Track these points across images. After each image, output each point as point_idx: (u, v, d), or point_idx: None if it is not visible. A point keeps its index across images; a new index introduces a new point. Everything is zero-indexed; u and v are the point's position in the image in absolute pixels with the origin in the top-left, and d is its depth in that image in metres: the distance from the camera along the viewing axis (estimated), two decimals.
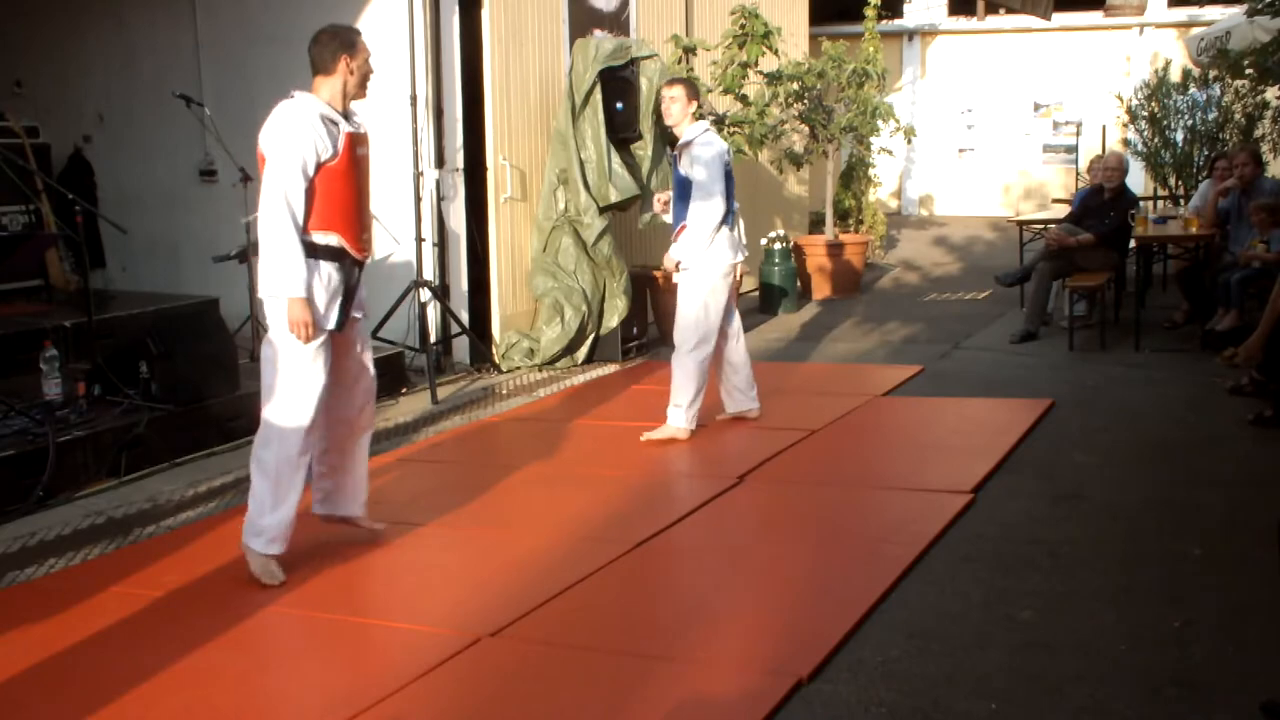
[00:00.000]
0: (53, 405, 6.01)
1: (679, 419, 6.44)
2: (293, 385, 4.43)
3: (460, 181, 8.24)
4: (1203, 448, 6.07)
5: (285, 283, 4.30)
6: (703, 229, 6.28)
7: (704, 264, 6.34)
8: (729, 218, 6.38)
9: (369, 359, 4.78)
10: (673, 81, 6.67)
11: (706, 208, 6.25)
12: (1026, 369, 8.06)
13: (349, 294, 4.52)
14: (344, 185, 4.42)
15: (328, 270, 4.42)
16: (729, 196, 6.36)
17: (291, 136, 4.31)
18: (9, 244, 6.92)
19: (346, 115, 4.50)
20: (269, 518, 4.48)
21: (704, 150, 6.26)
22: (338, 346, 4.58)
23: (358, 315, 4.65)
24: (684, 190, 6.36)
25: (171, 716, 3.57)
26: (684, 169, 6.33)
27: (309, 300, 4.34)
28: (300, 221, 4.32)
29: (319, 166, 4.34)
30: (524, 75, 8.64)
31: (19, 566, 4.85)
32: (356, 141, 4.48)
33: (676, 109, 6.38)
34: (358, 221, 4.51)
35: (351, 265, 4.51)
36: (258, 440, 4.52)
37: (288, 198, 4.28)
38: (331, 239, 4.41)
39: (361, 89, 4.53)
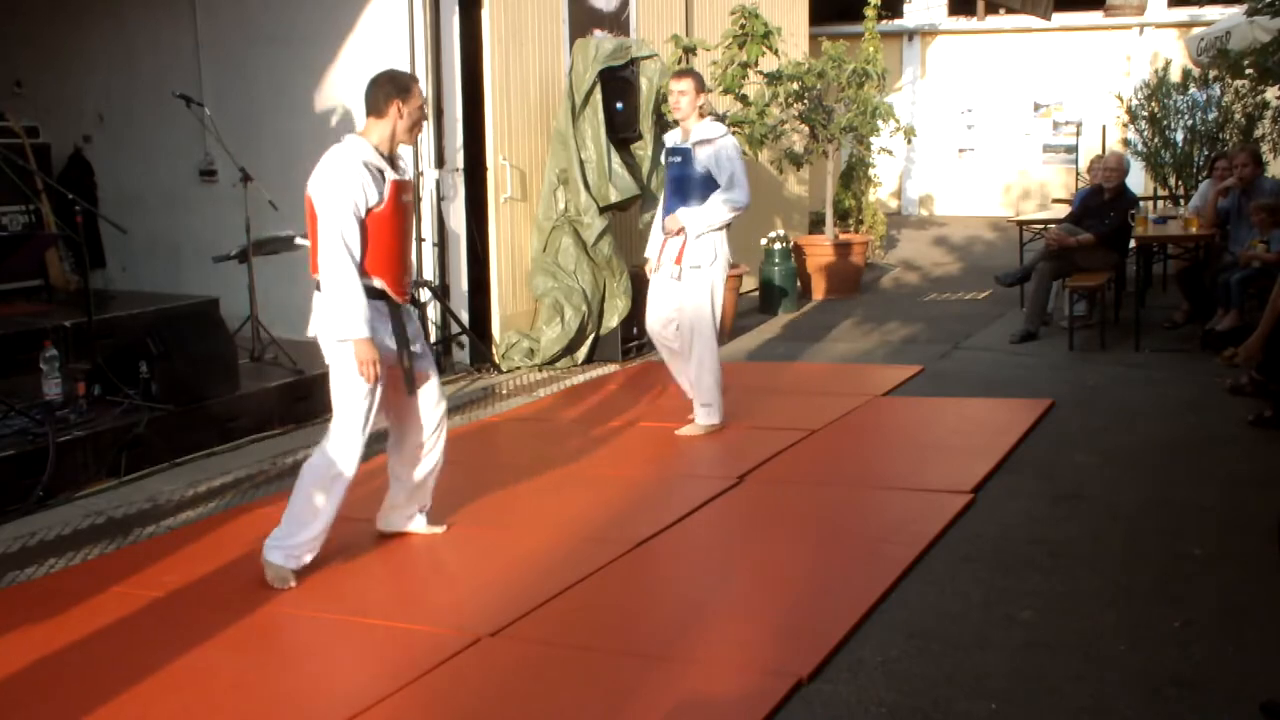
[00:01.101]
0: (53, 405, 6.01)
1: (714, 416, 6.52)
2: (347, 420, 4.54)
3: (460, 181, 8.24)
4: (1203, 448, 6.07)
5: (351, 325, 4.39)
6: (724, 212, 6.26)
7: (717, 262, 6.34)
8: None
9: (436, 387, 4.84)
10: (681, 74, 6.54)
11: (739, 196, 6.25)
12: (1026, 369, 8.06)
13: (400, 332, 4.60)
14: (388, 232, 4.50)
15: (376, 306, 4.49)
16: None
17: (341, 183, 4.38)
18: (9, 244, 6.92)
19: (393, 160, 4.57)
20: (300, 536, 4.54)
21: (729, 145, 6.29)
22: (395, 380, 4.63)
23: (416, 349, 4.71)
24: (684, 185, 6.31)
25: (171, 716, 3.58)
26: (704, 164, 6.26)
27: (373, 339, 4.44)
28: (359, 263, 4.41)
29: (367, 212, 4.41)
30: (524, 75, 8.64)
31: (19, 566, 4.85)
32: (402, 189, 4.55)
33: (686, 102, 6.30)
34: (400, 265, 4.60)
35: (394, 305, 4.59)
36: (313, 465, 4.58)
37: (345, 240, 4.35)
38: (375, 282, 4.49)
39: (410, 134, 4.61)
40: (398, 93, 4.51)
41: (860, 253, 11.94)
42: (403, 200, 4.56)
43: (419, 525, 5.05)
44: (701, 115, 6.37)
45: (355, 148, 4.47)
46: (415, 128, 4.61)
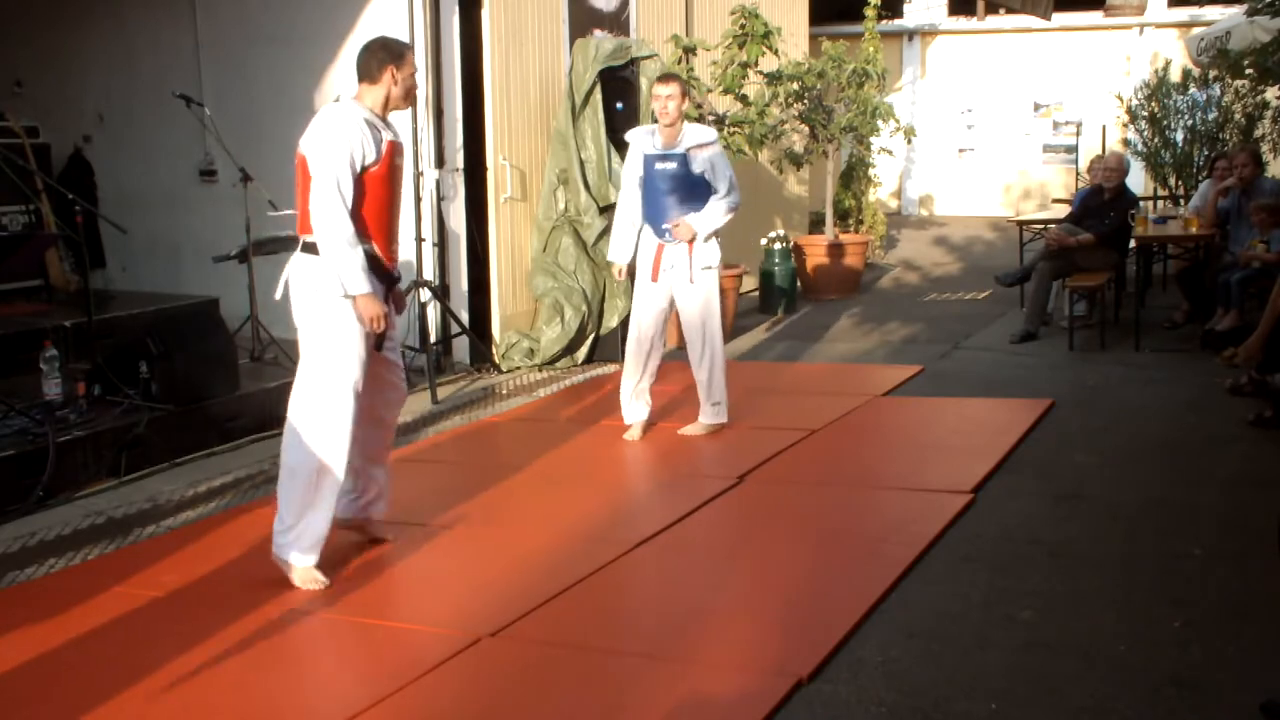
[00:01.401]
0: (53, 405, 6.01)
1: (722, 415, 6.58)
2: (337, 387, 4.43)
3: (460, 181, 8.24)
4: (1203, 448, 6.07)
5: (355, 280, 4.30)
6: (726, 215, 6.34)
7: (717, 263, 6.42)
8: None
9: (398, 360, 4.83)
10: (667, 78, 6.41)
11: (737, 198, 6.36)
12: (1026, 369, 8.06)
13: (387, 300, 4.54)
14: (381, 192, 4.44)
15: (369, 275, 4.40)
16: None
17: (338, 137, 4.32)
18: (9, 244, 6.92)
19: (386, 124, 4.52)
20: (304, 524, 4.43)
21: (721, 149, 6.40)
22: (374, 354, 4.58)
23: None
24: (680, 188, 6.26)
25: (170, 716, 3.57)
26: (702, 167, 6.23)
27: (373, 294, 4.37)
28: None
29: (363, 169, 4.35)
30: (524, 75, 8.64)
31: (19, 566, 4.85)
32: (396, 150, 4.50)
33: (674, 106, 6.22)
34: (388, 231, 4.52)
35: (384, 275, 4.50)
36: (290, 445, 4.46)
37: (342, 194, 4.28)
38: (370, 246, 4.40)
39: (405, 100, 4.57)
40: (391, 59, 4.45)
41: (860, 253, 11.93)
42: (395, 162, 4.49)
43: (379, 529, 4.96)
44: (690, 119, 6.45)
45: (351, 106, 4.42)
46: (408, 95, 4.56)
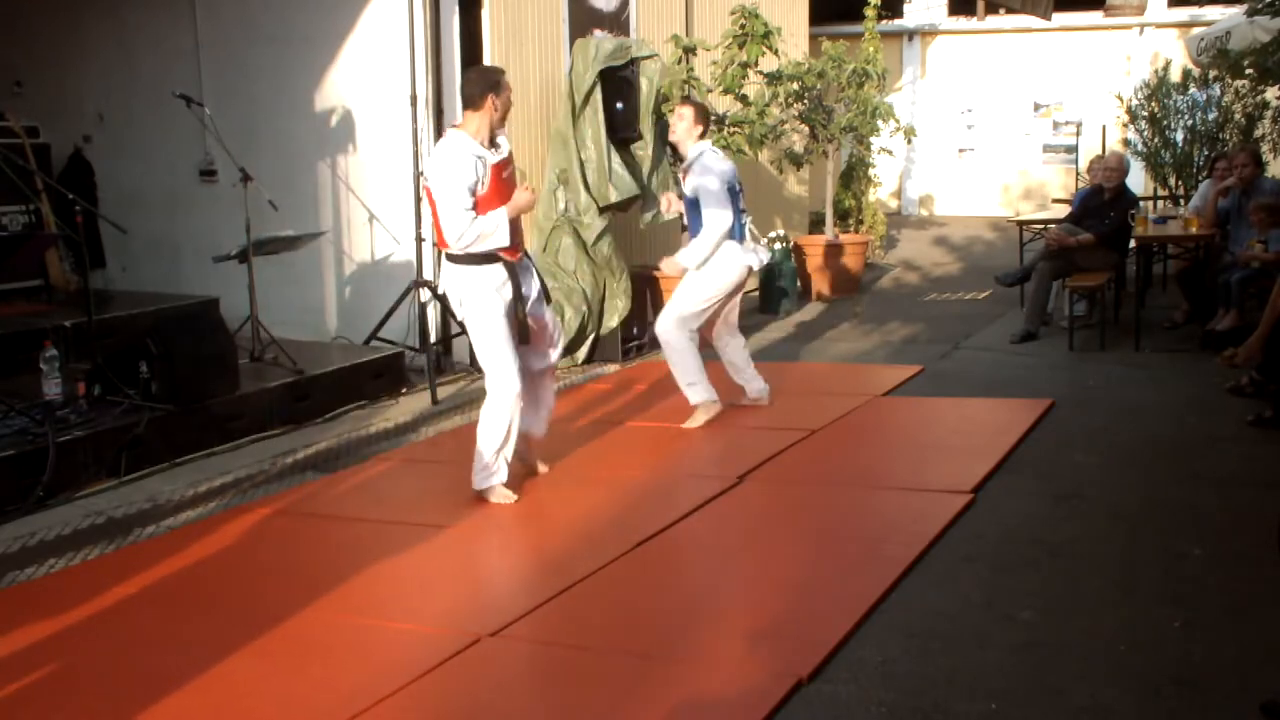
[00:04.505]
0: (53, 405, 6.01)
1: (699, 394, 6.67)
2: (497, 352, 5.33)
3: None
4: (1203, 448, 6.07)
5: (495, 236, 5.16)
6: (705, 243, 6.47)
7: (716, 266, 6.55)
8: (738, 230, 6.55)
9: (549, 321, 5.66)
10: (685, 100, 6.89)
11: (713, 223, 6.45)
12: (1026, 369, 8.06)
13: (517, 289, 5.32)
14: (495, 205, 5.15)
15: (495, 270, 5.23)
16: (736, 211, 6.54)
17: (454, 171, 5.08)
18: (9, 244, 6.91)
19: (494, 142, 5.22)
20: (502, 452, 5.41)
21: (708, 172, 6.48)
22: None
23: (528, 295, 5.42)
24: (693, 204, 6.56)
25: (170, 716, 3.58)
26: (688, 189, 6.55)
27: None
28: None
29: (473, 194, 5.10)
30: (524, 75, 8.63)
31: (19, 566, 4.85)
32: (501, 166, 5.22)
33: (682, 128, 6.60)
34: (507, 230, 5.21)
35: (509, 265, 5.28)
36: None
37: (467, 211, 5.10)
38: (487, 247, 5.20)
39: (502, 121, 5.26)
40: (491, 88, 5.13)
41: (860, 253, 11.94)
42: (503, 176, 5.20)
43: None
44: (698, 140, 6.79)
45: (460, 140, 5.12)
46: (505, 116, 5.24)
